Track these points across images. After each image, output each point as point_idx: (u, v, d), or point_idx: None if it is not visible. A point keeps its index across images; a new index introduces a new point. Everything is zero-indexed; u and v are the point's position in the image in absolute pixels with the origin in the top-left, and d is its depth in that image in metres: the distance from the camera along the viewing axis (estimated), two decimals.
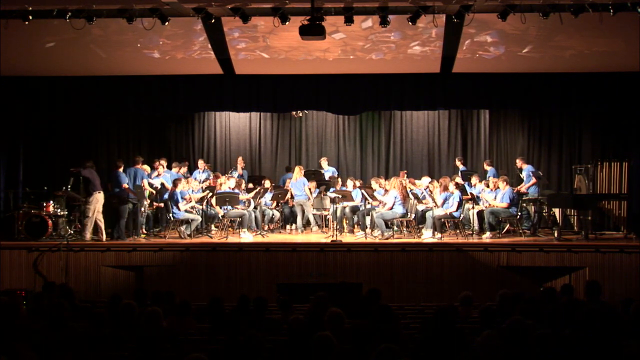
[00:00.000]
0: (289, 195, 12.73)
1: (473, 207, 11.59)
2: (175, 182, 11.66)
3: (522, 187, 12.23)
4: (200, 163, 13.67)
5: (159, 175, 12.37)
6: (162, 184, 12.25)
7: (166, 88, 12.02)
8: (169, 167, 13.05)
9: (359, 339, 4.71)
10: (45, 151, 13.24)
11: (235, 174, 13.31)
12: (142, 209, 11.71)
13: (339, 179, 13.34)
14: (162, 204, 11.92)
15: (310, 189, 12.57)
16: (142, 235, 11.51)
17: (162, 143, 14.99)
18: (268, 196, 12.57)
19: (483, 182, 12.35)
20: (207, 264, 10.69)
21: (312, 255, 10.64)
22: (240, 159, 14.09)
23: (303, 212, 12.47)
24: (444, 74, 11.58)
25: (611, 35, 10.29)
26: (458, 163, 13.92)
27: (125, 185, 11.24)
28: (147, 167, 12.39)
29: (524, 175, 12.44)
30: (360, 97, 11.99)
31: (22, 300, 8.33)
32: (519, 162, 12.65)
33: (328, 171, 13.97)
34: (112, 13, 9.72)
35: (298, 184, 12.51)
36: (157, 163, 12.68)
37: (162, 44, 10.94)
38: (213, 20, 9.92)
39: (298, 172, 12.68)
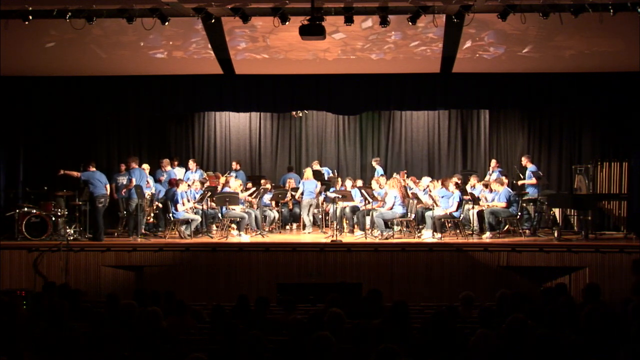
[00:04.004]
0: (289, 196, 12.74)
1: (473, 207, 11.59)
2: (177, 183, 11.65)
3: (521, 182, 12.31)
4: (191, 163, 13.53)
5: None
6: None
7: (166, 88, 12.03)
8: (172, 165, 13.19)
9: (361, 339, 4.72)
10: (45, 151, 13.23)
11: (233, 174, 13.31)
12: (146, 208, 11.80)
13: (339, 179, 13.35)
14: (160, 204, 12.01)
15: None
16: (142, 236, 11.51)
17: (162, 143, 14.99)
18: (267, 197, 12.56)
19: (482, 182, 12.38)
20: (207, 264, 10.68)
21: (312, 255, 10.63)
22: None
23: (308, 211, 12.49)
24: (444, 74, 11.58)
25: (611, 35, 10.29)
26: (374, 164, 13.96)
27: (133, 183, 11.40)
28: (146, 166, 12.45)
29: (526, 174, 12.47)
30: (360, 97, 11.99)
31: (22, 300, 8.33)
32: (524, 160, 12.67)
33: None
34: (112, 13, 9.71)
35: (310, 184, 12.52)
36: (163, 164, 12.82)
37: (162, 44, 10.94)
38: (213, 20, 9.92)
39: (310, 174, 12.72)
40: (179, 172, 13.11)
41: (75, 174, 11.35)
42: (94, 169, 11.38)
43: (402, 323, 5.21)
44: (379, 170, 13.82)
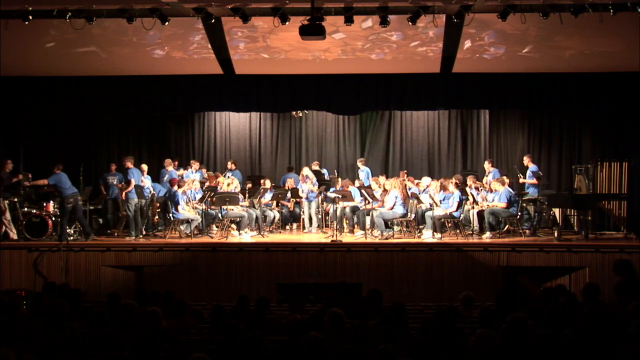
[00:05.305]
0: (289, 195, 12.75)
1: (473, 207, 11.59)
2: (179, 184, 11.64)
3: (522, 180, 12.34)
4: (194, 164, 13.62)
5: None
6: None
7: (166, 88, 12.03)
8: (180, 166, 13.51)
9: (360, 339, 4.72)
10: (46, 151, 13.24)
11: (229, 174, 13.33)
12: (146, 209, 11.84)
13: (339, 179, 13.35)
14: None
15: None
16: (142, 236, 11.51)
17: (162, 143, 15.00)
18: (268, 196, 12.58)
19: (476, 185, 12.35)
20: (207, 264, 10.68)
21: (312, 255, 10.63)
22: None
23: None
24: (444, 74, 11.58)
25: (611, 35, 10.29)
26: (359, 164, 13.99)
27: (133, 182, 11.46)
28: (144, 167, 12.49)
29: (527, 174, 12.47)
30: (360, 97, 11.99)
31: (22, 300, 8.33)
32: (526, 160, 12.67)
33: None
34: (112, 13, 9.72)
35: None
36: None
37: (162, 44, 10.94)
38: (213, 20, 9.92)
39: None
40: (185, 173, 13.24)
41: (42, 182, 11.27)
42: (60, 171, 11.16)
43: (400, 324, 5.22)
44: (364, 170, 13.81)
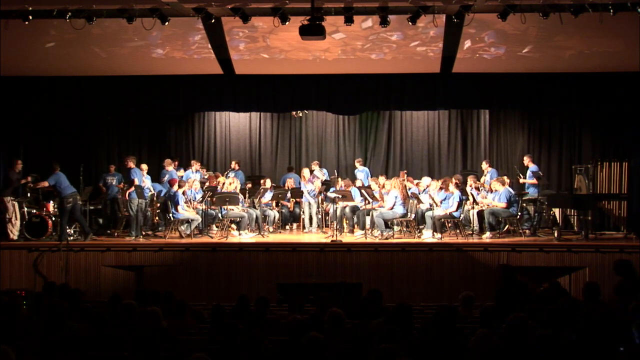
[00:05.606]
0: (289, 195, 12.76)
1: (473, 207, 11.59)
2: (180, 184, 11.65)
3: (522, 180, 12.35)
4: (195, 165, 13.66)
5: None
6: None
7: (166, 88, 12.04)
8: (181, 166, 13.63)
9: (361, 339, 4.72)
10: (46, 151, 13.24)
11: (232, 174, 13.34)
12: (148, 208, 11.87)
13: (339, 179, 13.36)
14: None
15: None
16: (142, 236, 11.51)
17: (162, 143, 15.01)
18: (268, 196, 12.58)
19: (475, 185, 12.35)
20: (207, 264, 10.69)
21: (312, 255, 10.63)
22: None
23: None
24: (444, 74, 11.58)
25: (611, 35, 10.29)
26: (357, 164, 14.07)
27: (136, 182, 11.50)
28: (144, 166, 12.51)
29: (527, 174, 12.47)
30: (360, 97, 11.99)
31: (22, 300, 8.33)
32: (526, 160, 12.68)
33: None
34: (112, 13, 9.72)
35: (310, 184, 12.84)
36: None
37: (162, 44, 10.94)
38: (213, 20, 9.92)
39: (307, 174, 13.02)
40: (185, 173, 13.28)
41: (44, 184, 11.25)
42: (58, 171, 11.15)
43: (405, 325, 5.21)
44: (363, 170, 13.81)
